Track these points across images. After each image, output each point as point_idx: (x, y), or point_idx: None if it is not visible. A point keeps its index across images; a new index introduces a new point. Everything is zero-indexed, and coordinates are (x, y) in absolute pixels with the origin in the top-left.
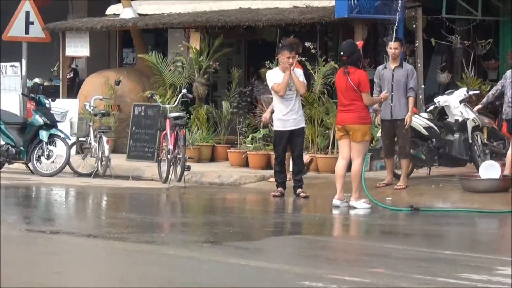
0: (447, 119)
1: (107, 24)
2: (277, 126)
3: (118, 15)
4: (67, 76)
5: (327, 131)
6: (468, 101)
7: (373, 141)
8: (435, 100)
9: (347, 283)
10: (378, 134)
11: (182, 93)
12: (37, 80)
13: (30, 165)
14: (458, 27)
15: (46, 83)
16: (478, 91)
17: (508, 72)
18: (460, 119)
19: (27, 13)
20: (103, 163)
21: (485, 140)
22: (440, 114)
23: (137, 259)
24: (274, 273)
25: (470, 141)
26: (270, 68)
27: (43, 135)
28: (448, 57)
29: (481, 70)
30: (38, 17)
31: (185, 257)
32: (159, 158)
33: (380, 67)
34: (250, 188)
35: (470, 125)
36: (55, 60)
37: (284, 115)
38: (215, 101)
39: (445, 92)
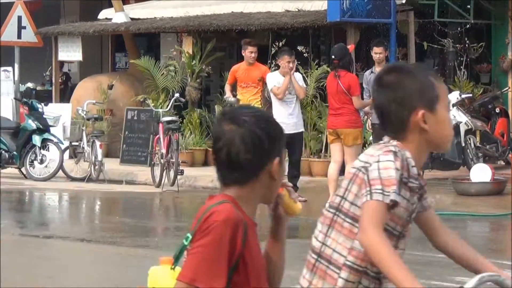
0: None
1: (99, 29)
2: None
3: (111, 19)
4: (59, 80)
5: (320, 135)
6: (461, 105)
7: (366, 145)
8: None
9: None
10: (371, 138)
11: (174, 97)
12: (29, 84)
13: (23, 169)
14: (450, 31)
15: (38, 88)
16: (470, 95)
17: None
18: (453, 122)
19: (19, 18)
20: (96, 167)
21: (478, 143)
22: None
23: (131, 263)
24: None
25: (463, 145)
26: None
27: (36, 139)
28: (441, 61)
29: (474, 73)
30: (30, 22)
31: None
32: (152, 162)
33: (367, 72)
34: None
35: (463, 129)
36: (47, 65)
37: (285, 118)
38: (208, 105)
39: None
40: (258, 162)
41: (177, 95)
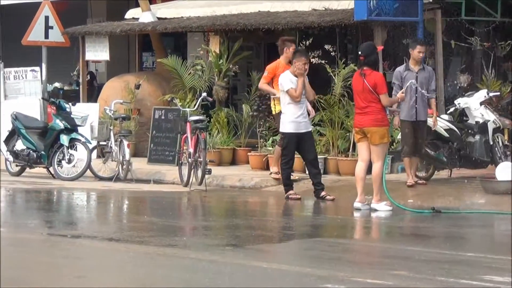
0: (468, 121)
1: (126, 28)
2: (290, 128)
3: (137, 19)
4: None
5: (348, 134)
6: (489, 103)
7: (394, 144)
8: (456, 102)
9: (369, 285)
10: (399, 137)
11: (202, 97)
12: (57, 84)
13: (51, 169)
14: (477, 29)
15: (66, 88)
16: (498, 93)
17: None
18: (481, 120)
19: (46, 18)
20: (124, 167)
21: (506, 141)
22: (461, 116)
23: (159, 263)
24: (296, 276)
25: (491, 143)
26: None
27: (64, 139)
28: (468, 59)
29: (501, 71)
30: (57, 22)
31: (207, 261)
32: (180, 162)
33: (400, 69)
34: (271, 191)
35: (490, 127)
36: (74, 65)
37: (297, 117)
38: (235, 104)
39: (465, 94)
40: None
41: (204, 94)
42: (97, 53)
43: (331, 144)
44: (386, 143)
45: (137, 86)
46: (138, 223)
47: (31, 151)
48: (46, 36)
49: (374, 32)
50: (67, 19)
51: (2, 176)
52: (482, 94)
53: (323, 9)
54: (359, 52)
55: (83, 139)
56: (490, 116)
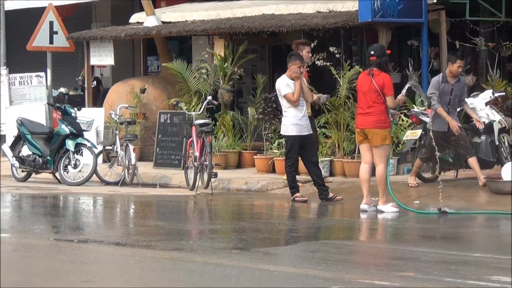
0: (473, 122)
1: (131, 33)
2: (292, 130)
3: (142, 23)
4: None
5: (353, 136)
6: (494, 103)
7: (400, 145)
8: None
9: (376, 287)
10: (405, 138)
11: (207, 100)
12: (62, 89)
13: (57, 174)
14: (482, 29)
15: (71, 93)
16: (503, 93)
17: None
18: (487, 121)
19: (51, 23)
20: (130, 171)
21: (511, 141)
22: (466, 116)
23: (166, 267)
24: (303, 278)
25: (497, 143)
26: None
27: (70, 144)
28: (473, 60)
29: (506, 71)
30: (62, 27)
31: (214, 264)
32: (186, 166)
33: (438, 79)
34: (277, 194)
35: (496, 127)
36: (79, 70)
37: (299, 119)
38: (240, 108)
39: (471, 95)
40: None
41: (209, 97)
42: (102, 57)
43: (336, 146)
44: (388, 144)
45: (142, 90)
46: (144, 227)
47: (37, 157)
48: (51, 42)
49: (378, 33)
50: (72, 24)
51: (9, 182)
52: (487, 95)
53: (328, 11)
54: (372, 52)
55: (88, 144)
56: (495, 117)
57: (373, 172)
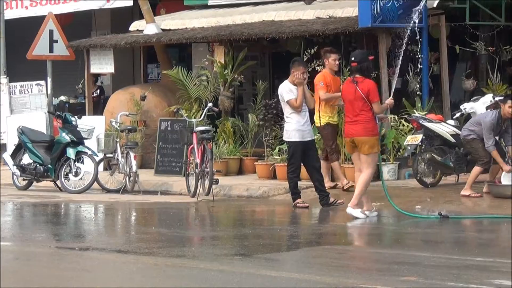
0: None
1: (131, 40)
2: (295, 136)
3: (142, 31)
4: (94, 94)
5: None
6: (494, 107)
7: (401, 150)
8: (462, 107)
9: None
10: (406, 143)
11: (207, 107)
12: (62, 98)
13: (58, 182)
14: (482, 34)
15: (71, 101)
16: (502, 97)
17: None
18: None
19: (51, 32)
20: (131, 178)
21: None
22: (467, 121)
23: (168, 274)
24: (305, 284)
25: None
26: None
27: (70, 152)
28: (473, 64)
29: (506, 75)
30: (61, 35)
31: (216, 270)
32: (187, 172)
33: (492, 121)
34: (278, 200)
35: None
36: (80, 78)
37: (302, 125)
38: (241, 114)
39: (471, 99)
40: None
41: (210, 104)
42: (102, 65)
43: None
44: (376, 153)
45: (143, 98)
46: (146, 234)
47: (37, 165)
48: (51, 50)
49: (378, 39)
50: (72, 32)
51: (10, 190)
52: (488, 99)
53: (327, 17)
54: (352, 58)
55: (89, 152)
56: None
57: (376, 177)
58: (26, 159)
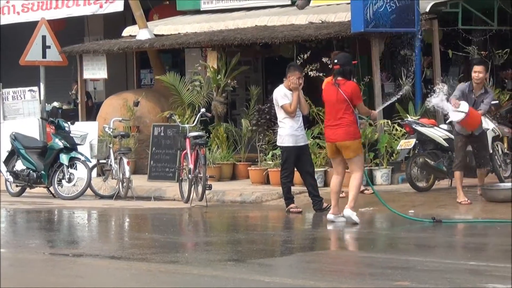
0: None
1: (123, 46)
2: (288, 141)
3: (135, 36)
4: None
5: None
6: (487, 112)
7: (394, 154)
8: None
9: None
10: (399, 147)
11: (201, 112)
12: (55, 103)
13: (51, 189)
14: (474, 38)
15: (64, 107)
16: (497, 101)
17: None
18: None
19: (44, 37)
20: (124, 184)
21: (505, 149)
22: None
23: (162, 280)
24: None
25: (491, 151)
26: None
27: (64, 158)
28: (466, 68)
29: (499, 80)
30: (54, 41)
31: (210, 276)
32: (180, 178)
33: (464, 87)
34: (272, 205)
35: (490, 135)
36: (73, 84)
37: (295, 130)
38: (234, 119)
39: None
40: None
41: (203, 110)
42: (95, 71)
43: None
44: (361, 154)
45: (136, 104)
46: (139, 240)
47: (31, 171)
48: (44, 56)
49: (371, 43)
50: (64, 38)
51: (3, 197)
52: None
53: (320, 22)
54: (335, 61)
55: (82, 158)
56: (489, 125)
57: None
58: (19, 165)
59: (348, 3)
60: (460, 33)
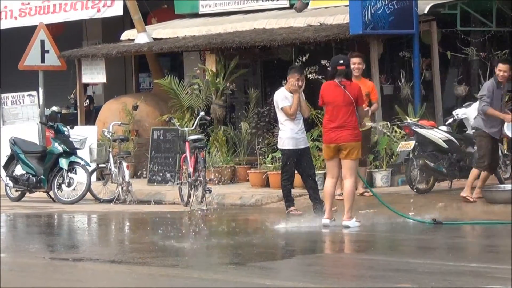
0: (467, 132)
1: (122, 50)
2: (289, 144)
3: (133, 40)
4: (84, 104)
5: None
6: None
7: (394, 156)
8: (454, 113)
9: None
10: (399, 149)
11: (200, 116)
12: (54, 108)
13: (51, 193)
14: (473, 39)
15: (63, 111)
16: None
17: None
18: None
19: (42, 42)
20: (124, 188)
21: (505, 151)
22: (459, 126)
23: (162, 283)
24: None
25: None
26: None
27: (63, 162)
28: (465, 70)
29: None
30: (53, 46)
31: (210, 280)
32: (180, 182)
33: (490, 85)
34: (272, 208)
35: None
36: (71, 88)
37: (296, 133)
38: (233, 123)
39: (463, 105)
40: None
41: (202, 113)
42: (94, 75)
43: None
44: (359, 157)
45: (135, 107)
46: (140, 244)
47: (30, 176)
48: (43, 61)
49: (370, 45)
50: (63, 42)
51: (3, 201)
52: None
53: (319, 24)
54: (341, 61)
55: (82, 162)
56: None
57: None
58: (18, 170)
59: (346, 5)
60: (459, 35)
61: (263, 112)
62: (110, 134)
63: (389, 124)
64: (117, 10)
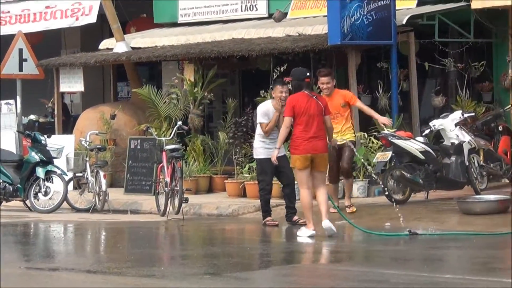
0: (443, 143)
1: (100, 59)
2: (262, 154)
3: (111, 49)
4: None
5: None
6: (464, 124)
7: (371, 167)
8: (431, 124)
9: None
10: (375, 160)
11: (177, 125)
12: (32, 117)
13: (27, 202)
14: (451, 50)
15: (41, 120)
16: (473, 114)
17: None
18: (456, 142)
19: (20, 50)
20: (101, 197)
21: (481, 162)
22: (436, 137)
23: None
24: None
25: (467, 164)
26: (265, 97)
27: (40, 172)
28: (442, 81)
29: (476, 92)
30: (31, 54)
31: None
32: (157, 191)
33: None
34: (248, 218)
35: (466, 148)
36: (49, 97)
37: (268, 144)
38: (211, 132)
39: (440, 116)
40: None
41: (179, 123)
42: (72, 84)
43: None
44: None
45: (113, 117)
46: (116, 254)
47: (7, 185)
48: (21, 69)
49: (348, 56)
50: (42, 51)
51: None
52: (457, 115)
53: (297, 34)
54: (307, 74)
55: (59, 171)
56: (465, 137)
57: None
58: None
59: (324, 16)
60: (437, 46)
61: (241, 122)
62: (88, 143)
63: (366, 135)
64: (92, 18)
